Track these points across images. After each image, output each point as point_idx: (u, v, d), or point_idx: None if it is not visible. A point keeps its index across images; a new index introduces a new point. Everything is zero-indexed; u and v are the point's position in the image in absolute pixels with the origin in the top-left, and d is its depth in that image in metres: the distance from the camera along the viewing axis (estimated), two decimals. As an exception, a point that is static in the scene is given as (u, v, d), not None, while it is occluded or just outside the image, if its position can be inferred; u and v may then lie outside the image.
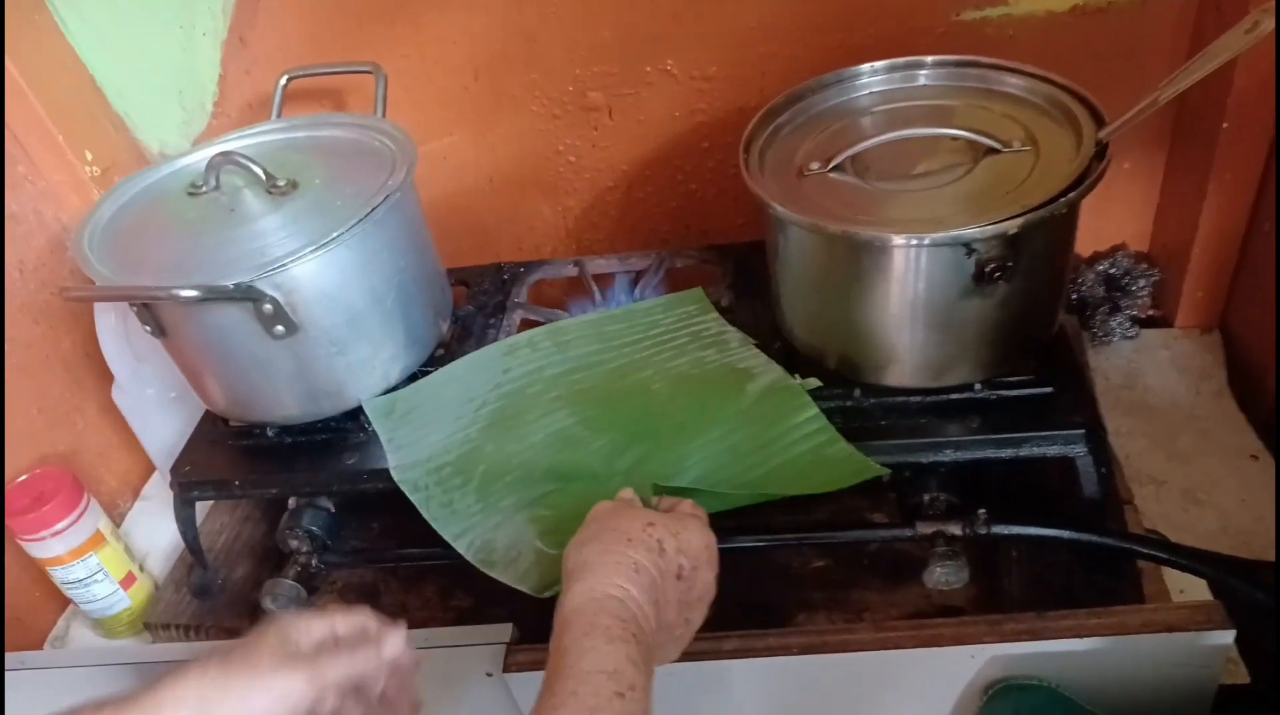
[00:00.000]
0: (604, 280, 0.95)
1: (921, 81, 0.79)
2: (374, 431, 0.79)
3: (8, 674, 0.76)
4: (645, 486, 0.69)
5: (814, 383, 0.75)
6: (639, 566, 0.56)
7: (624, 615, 0.53)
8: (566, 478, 0.74)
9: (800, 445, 0.72)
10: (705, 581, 0.61)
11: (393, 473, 0.75)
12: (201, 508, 0.90)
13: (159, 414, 0.95)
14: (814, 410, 0.73)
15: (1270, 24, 0.57)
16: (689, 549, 0.59)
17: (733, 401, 0.75)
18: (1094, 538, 0.68)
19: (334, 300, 0.73)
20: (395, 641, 0.58)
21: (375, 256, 0.74)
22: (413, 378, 0.83)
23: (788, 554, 0.83)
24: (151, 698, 0.50)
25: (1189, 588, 0.72)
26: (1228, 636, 0.62)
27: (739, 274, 0.91)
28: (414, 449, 0.77)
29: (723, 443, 0.73)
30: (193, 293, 0.65)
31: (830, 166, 0.72)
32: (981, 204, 0.65)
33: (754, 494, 0.70)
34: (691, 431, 0.74)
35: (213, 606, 0.86)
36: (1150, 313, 1.01)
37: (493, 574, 0.70)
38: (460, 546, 0.71)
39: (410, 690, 0.61)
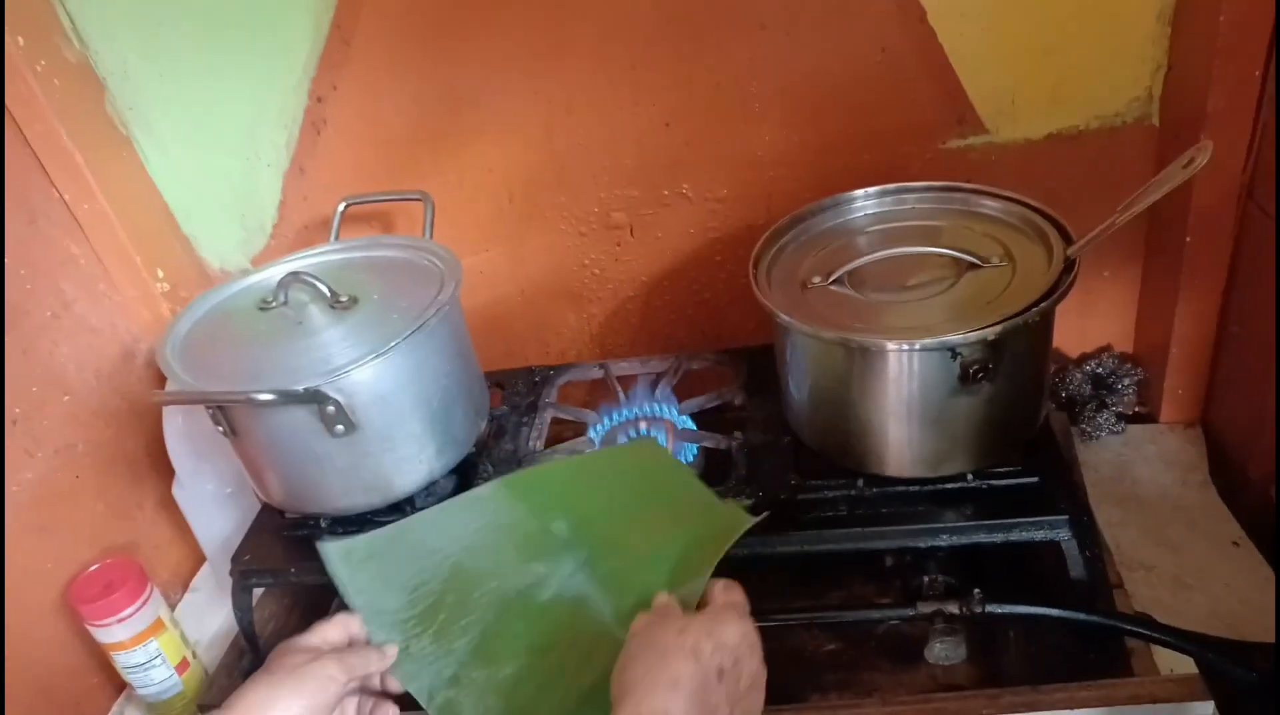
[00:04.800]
0: (627, 381, 1.03)
1: (910, 204, 0.89)
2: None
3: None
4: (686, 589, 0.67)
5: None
6: (677, 681, 0.57)
7: None
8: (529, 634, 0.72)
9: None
10: (751, 671, 0.61)
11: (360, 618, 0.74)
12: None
13: (214, 509, 1.02)
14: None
15: (1204, 160, 0.66)
16: (726, 644, 0.59)
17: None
18: (1081, 616, 0.73)
19: (388, 402, 0.81)
20: (391, 651, 0.71)
21: (425, 363, 0.83)
22: (454, 472, 0.90)
23: (800, 637, 0.89)
24: (229, 707, 0.62)
25: (1178, 667, 0.76)
26: (1208, 708, 0.67)
27: (751, 375, 0.99)
28: (377, 597, 0.75)
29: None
30: (269, 396, 0.74)
31: (830, 280, 0.80)
32: (965, 313, 0.73)
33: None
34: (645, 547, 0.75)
35: (262, 690, 0.92)
36: (1136, 409, 1.07)
37: None
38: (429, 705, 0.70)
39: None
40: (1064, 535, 0.75)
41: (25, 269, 0.94)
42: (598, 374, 1.06)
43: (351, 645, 0.71)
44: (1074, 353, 1.11)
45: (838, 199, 0.90)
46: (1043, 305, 0.71)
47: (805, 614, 0.77)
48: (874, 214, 0.89)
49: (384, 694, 0.72)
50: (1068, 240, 0.77)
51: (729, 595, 0.65)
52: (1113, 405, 1.05)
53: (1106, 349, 1.11)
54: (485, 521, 0.80)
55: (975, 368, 0.71)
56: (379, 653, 0.71)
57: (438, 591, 0.75)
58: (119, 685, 0.98)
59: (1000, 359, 0.71)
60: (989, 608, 0.74)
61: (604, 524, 0.78)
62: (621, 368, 1.06)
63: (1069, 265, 0.74)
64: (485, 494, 0.82)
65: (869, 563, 0.87)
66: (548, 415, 1.00)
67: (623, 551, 0.75)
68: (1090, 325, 1.10)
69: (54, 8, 0.97)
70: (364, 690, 0.72)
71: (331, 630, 0.71)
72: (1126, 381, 1.06)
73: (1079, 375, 1.07)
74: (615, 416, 0.97)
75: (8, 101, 0.93)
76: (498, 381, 1.06)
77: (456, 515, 0.81)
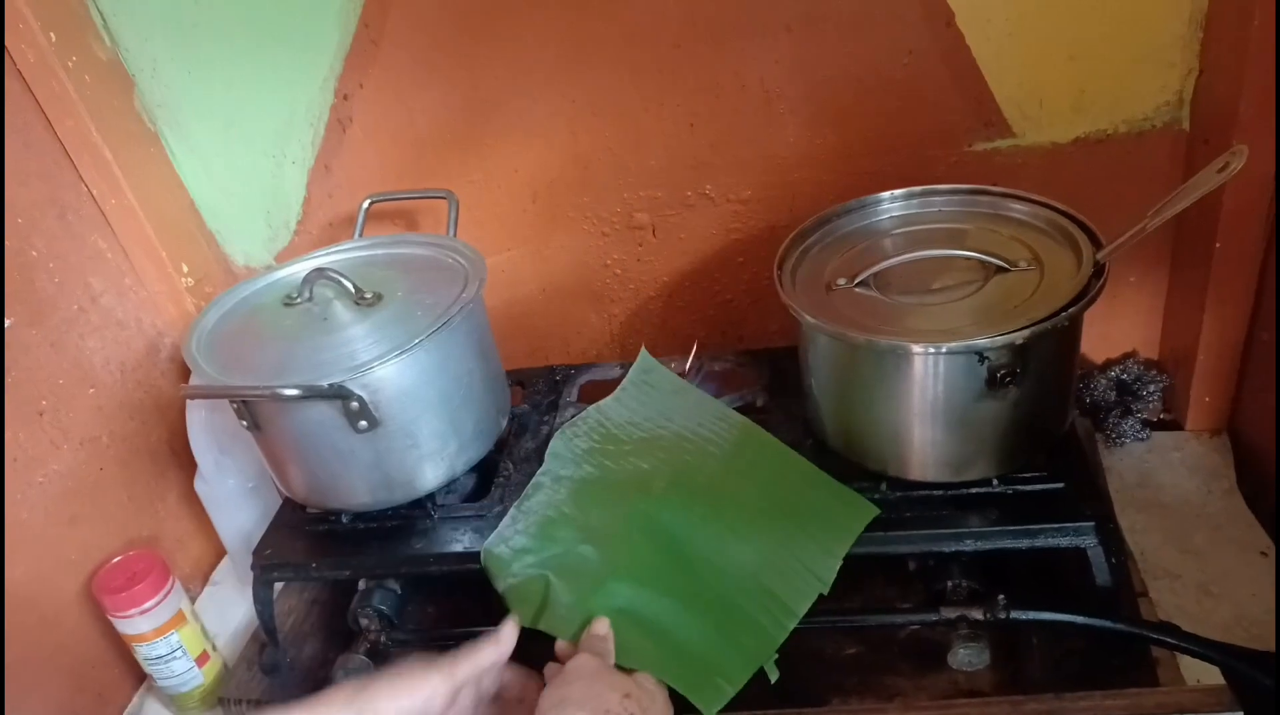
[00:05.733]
0: (648, 383, 1.03)
1: (937, 207, 0.88)
2: (439, 519, 0.87)
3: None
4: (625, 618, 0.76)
5: None
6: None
7: None
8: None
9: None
10: None
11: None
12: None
13: (236, 503, 1.03)
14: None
15: (1239, 165, 0.65)
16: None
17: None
18: (1106, 624, 0.73)
19: (412, 398, 0.81)
20: (509, 631, 0.72)
21: (449, 360, 0.83)
22: (475, 470, 0.90)
23: (821, 641, 0.88)
24: (317, 698, 0.64)
25: (1204, 677, 0.76)
26: (1236, 718, 0.66)
27: (773, 377, 0.99)
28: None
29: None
30: (294, 391, 0.74)
31: (856, 282, 0.80)
32: (992, 317, 0.73)
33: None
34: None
35: (282, 683, 0.92)
36: (1162, 416, 1.07)
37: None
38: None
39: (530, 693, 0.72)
40: (1090, 542, 0.74)
41: (54, 263, 0.95)
42: (618, 373, 1.06)
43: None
44: (1099, 358, 1.11)
45: (864, 201, 0.89)
46: (1072, 310, 0.70)
47: (827, 617, 0.76)
48: (900, 216, 0.89)
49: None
50: (1097, 244, 0.76)
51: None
52: (1138, 412, 1.05)
53: (1132, 355, 1.10)
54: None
55: (1003, 372, 0.70)
56: (492, 644, 0.71)
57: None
58: (140, 676, 0.99)
59: (1027, 363, 0.71)
60: (1013, 614, 0.74)
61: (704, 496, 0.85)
62: (643, 368, 1.05)
63: (1098, 270, 0.74)
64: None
65: (891, 566, 0.87)
66: (569, 414, 1.00)
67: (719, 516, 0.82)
68: (1115, 331, 1.09)
69: (86, 5, 0.98)
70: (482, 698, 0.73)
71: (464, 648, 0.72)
72: (1152, 388, 1.05)
73: (1104, 381, 1.07)
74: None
75: (39, 97, 0.94)
76: (519, 380, 1.06)
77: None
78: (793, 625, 0.75)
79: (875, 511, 0.78)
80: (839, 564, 0.76)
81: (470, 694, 0.71)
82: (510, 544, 0.83)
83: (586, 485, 0.88)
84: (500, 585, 0.81)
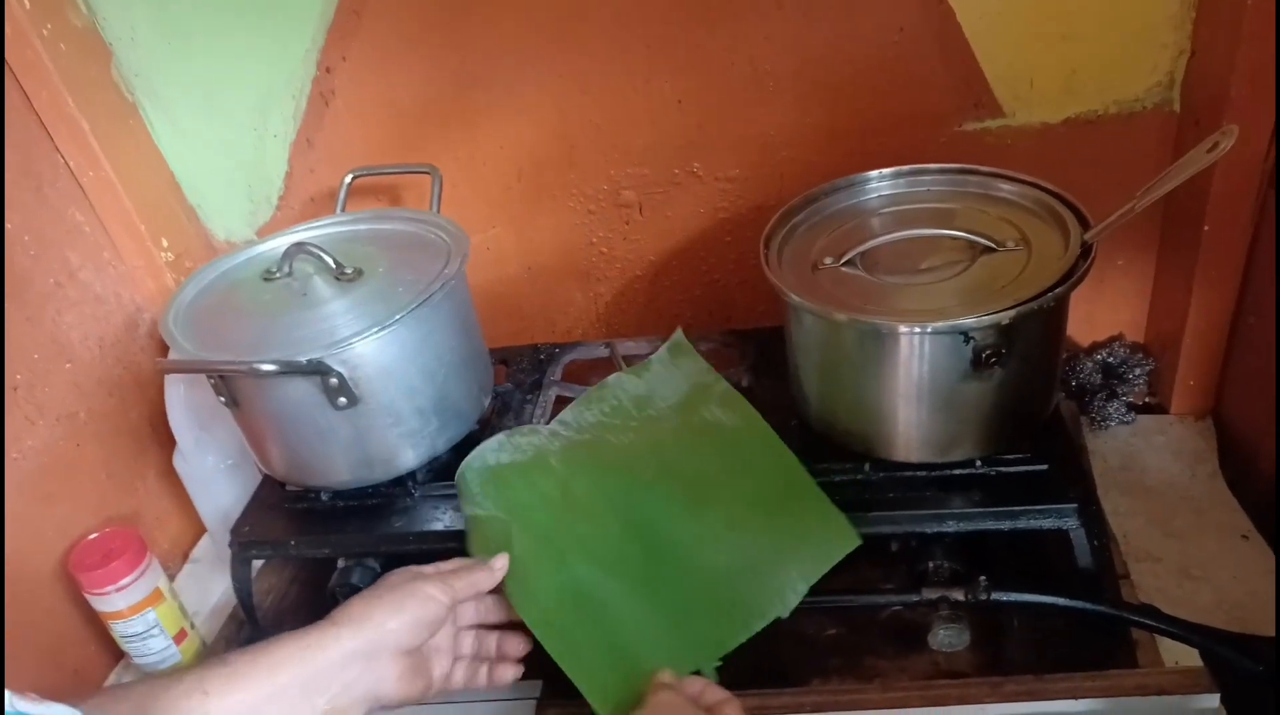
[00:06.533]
0: (632, 360, 1.02)
1: (925, 186, 0.88)
2: (420, 497, 0.86)
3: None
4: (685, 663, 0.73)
5: None
6: None
7: None
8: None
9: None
10: None
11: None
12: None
13: (216, 481, 1.02)
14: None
15: (1229, 144, 0.65)
16: None
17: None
18: (1087, 606, 0.73)
19: (392, 376, 0.80)
20: (503, 562, 0.74)
21: (430, 337, 0.82)
22: (456, 448, 0.89)
23: (803, 622, 0.88)
24: (332, 619, 0.67)
25: (1183, 659, 0.76)
26: (1213, 700, 0.66)
27: (758, 357, 0.99)
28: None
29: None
30: (271, 366, 0.73)
31: (842, 261, 0.79)
32: (978, 297, 0.72)
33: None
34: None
35: (261, 662, 0.92)
36: (1146, 399, 1.07)
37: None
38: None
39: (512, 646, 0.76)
40: (1072, 524, 0.74)
41: (29, 236, 0.93)
42: (603, 353, 1.05)
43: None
44: (1085, 341, 1.10)
45: (852, 179, 0.89)
46: (1058, 290, 0.70)
47: (810, 597, 0.76)
48: (888, 195, 0.88)
49: (506, 627, 0.75)
50: (1085, 225, 0.76)
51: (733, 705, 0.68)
52: (1123, 395, 1.04)
53: (1118, 338, 1.09)
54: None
55: (988, 352, 0.70)
56: (486, 570, 0.73)
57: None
58: (117, 654, 0.98)
59: (1013, 344, 0.70)
60: (994, 595, 0.73)
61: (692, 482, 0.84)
62: (628, 347, 1.05)
63: (1086, 250, 0.73)
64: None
65: (873, 547, 0.86)
66: (552, 393, 0.99)
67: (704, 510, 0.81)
68: (1102, 313, 1.09)
69: (61, -29, 0.96)
70: (482, 626, 0.75)
71: (448, 564, 0.74)
72: (1137, 371, 1.05)
73: (1089, 364, 1.06)
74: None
75: (12, 65, 0.92)
76: (502, 358, 1.05)
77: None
78: (744, 640, 0.74)
79: (858, 541, 0.76)
80: (807, 592, 0.75)
81: (467, 612, 0.74)
82: (490, 458, 0.85)
83: (580, 449, 0.88)
84: (467, 509, 0.82)
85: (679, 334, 1.01)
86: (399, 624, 0.67)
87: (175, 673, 0.62)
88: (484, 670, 0.74)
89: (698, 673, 0.72)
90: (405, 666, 0.68)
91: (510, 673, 0.75)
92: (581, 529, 0.80)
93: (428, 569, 0.74)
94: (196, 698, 0.60)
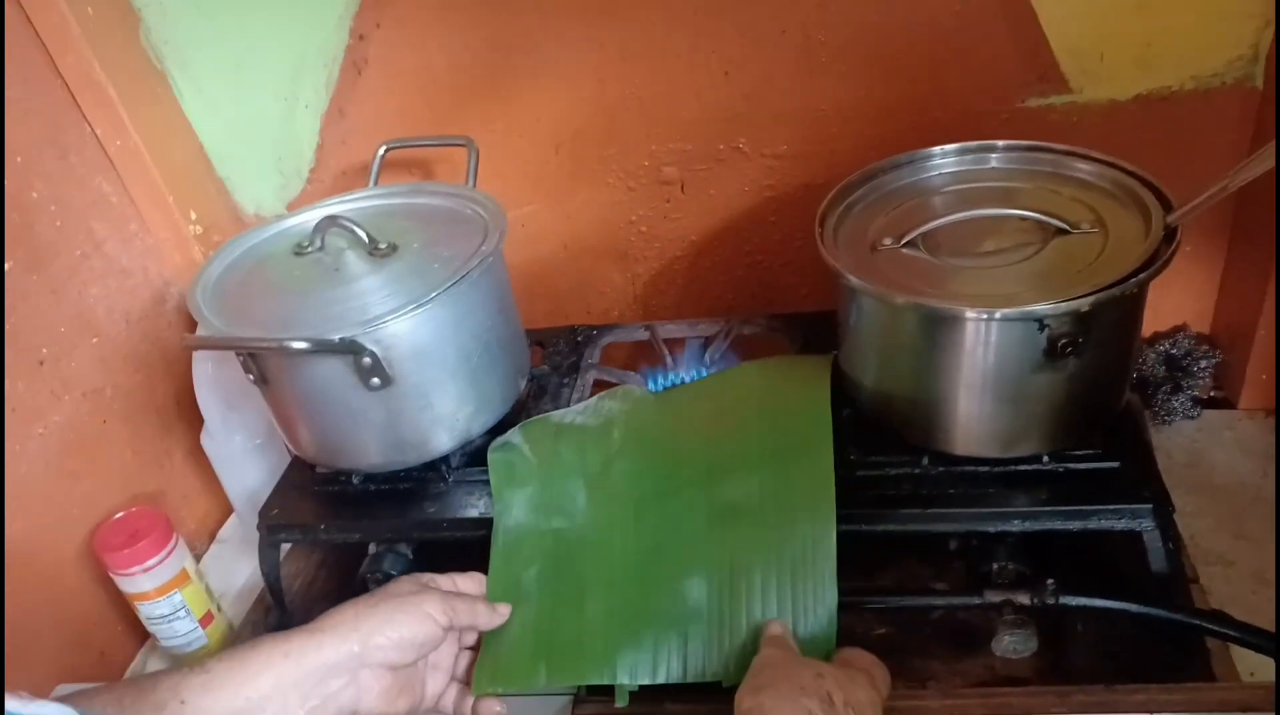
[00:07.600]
0: (673, 345, 0.98)
1: (992, 164, 0.82)
2: (454, 482, 0.83)
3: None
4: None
5: None
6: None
7: None
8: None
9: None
10: None
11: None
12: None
13: (243, 460, 0.99)
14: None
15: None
16: (856, 703, 0.60)
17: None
18: (1163, 613, 0.68)
19: (427, 356, 0.77)
20: (505, 609, 0.72)
21: (467, 316, 0.78)
22: (491, 433, 0.86)
23: (850, 620, 0.84)
24: (317, 624, 0.64)
25: (1259, 670, 0.72)
26: (1302, 717, 0.62)
27: (806, 343, 0.94)
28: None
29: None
30: (303, 344, 0.70)
31: (903, 242, 0.75)
32: (1052, 282, 0.68)
33: None
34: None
35: (288, 648, 0.89)
36: (1212, 393, 1.02)
37: None
38: None
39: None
40: (1147, 525, 0.70)
41: (55, 206, 0.91)
42: (643, 336, 1.01)
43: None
44: (1146, 332, 1.05)
45: (913, 156, 0.84)
46: (1141, 276, 0.65)
47: (863, 596, 0.72)
48: (951, 173, 0.83)
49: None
50: (1167, 208, 0.71)
51: (866, 661, 0.66)
52: (1188, 388, 0.99)
53: (1182, 328, 1.04)
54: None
55: (1064, 341, 0.65)
56: (490, 609, 0.71)
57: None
58: (143, 635, 0.96)
59: (1090, 333, 0.66)
60: (1063, 599, 0.69)
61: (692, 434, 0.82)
62: (669, 330, 1.01)
63: (1169, 234, 0.68)
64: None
65: (926, 544, 0.82)
66: (590, 376, 0.95)
67: (712, 447, 0.79)
68: (1165, 303, 1.04)
69: (88, -68, 0.93)
70: (464, 647, 0.73)
71: (463, 580, 0.73)
72: (1203, 363, 1.00)
73: (1152, 356, 1.01)
74: (662, 379, 0.92)
75: (36, 25, 0.89)
76: (538, 340, 1.02)
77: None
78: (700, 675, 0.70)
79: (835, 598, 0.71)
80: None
81: (473, 634, 0.73)
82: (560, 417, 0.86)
83: (643, 429, 0.85)
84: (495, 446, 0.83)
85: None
86: (387, 640, 0.64)
87: (154, 677, 0.59)
88: (469, 703, 0.71)
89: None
90: (391, 682, 0.65)
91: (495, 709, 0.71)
92: (610, 538, 0.78)
93: (442, 580, 0.72)
94: (173, 706, 0.57)
